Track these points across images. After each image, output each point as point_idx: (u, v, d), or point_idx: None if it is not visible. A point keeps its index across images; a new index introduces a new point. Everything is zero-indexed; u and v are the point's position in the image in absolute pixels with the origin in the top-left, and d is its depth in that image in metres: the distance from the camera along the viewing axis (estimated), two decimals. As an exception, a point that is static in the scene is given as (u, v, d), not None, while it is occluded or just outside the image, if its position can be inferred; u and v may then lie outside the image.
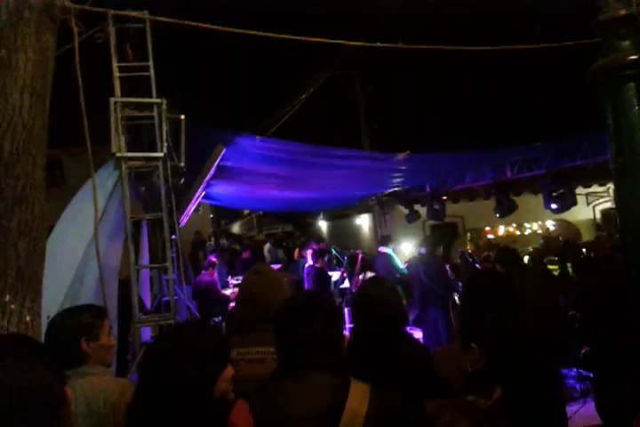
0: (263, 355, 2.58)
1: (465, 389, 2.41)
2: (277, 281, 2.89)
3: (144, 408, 1.90)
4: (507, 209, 11.78)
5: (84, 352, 2.44)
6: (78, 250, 4.78)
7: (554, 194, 10.43)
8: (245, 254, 14.69)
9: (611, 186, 21.47)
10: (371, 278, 3.75)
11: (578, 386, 6.31)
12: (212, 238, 21.17)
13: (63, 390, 1.38)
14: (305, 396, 1.90)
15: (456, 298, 7.80)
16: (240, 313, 2.91)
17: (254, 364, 2.53)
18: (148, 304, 6.99)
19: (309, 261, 10.13)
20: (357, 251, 12.50)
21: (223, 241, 21.40)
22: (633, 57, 2.63)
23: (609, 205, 21.93)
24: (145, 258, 7.07)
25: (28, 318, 2.65)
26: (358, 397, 1.90)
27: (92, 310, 2.62)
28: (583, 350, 3.92)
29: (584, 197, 19.68)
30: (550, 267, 14.14)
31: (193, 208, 8.69)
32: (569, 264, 13.73)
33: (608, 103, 2.75)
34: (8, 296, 2.61)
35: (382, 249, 10.25)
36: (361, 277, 9.97)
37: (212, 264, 10.07)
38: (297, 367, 1.98)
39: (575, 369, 6.49)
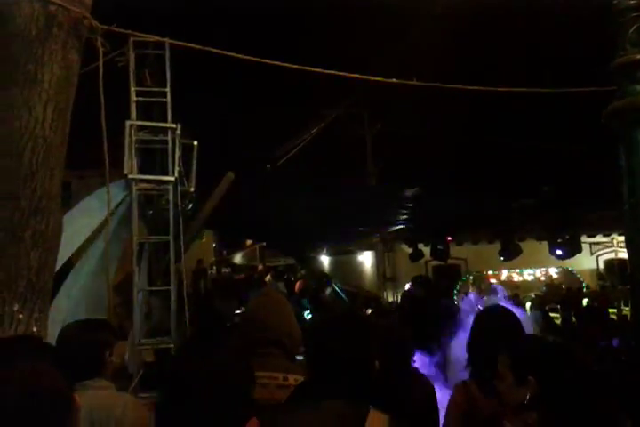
0: (267, 380, 2.52)
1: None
2: (284, 305, 2.84)
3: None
4: (511, 253, 11.77)
5: (106, 366, 2.57)
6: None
7: (559, 240, 10.42)
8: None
9: (615, 236, 21.45)
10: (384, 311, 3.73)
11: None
12: (214, 267, 21.05)
13: (73, 395, 1.37)
14: (319, 424, 1.83)
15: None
16: (243, 335, 2.85)
17: (258, 388, 2.47)
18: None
19: None
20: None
21: (225, 270, 21.29)
22: (647, 100, 2.68)
23: (612, 255, 21.85)
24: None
25: (35, 329, 2.64)
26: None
27: (109, 326, 2.81)
28: None
29: (588, 247, 19.57)
30: (552, 315, 14.04)
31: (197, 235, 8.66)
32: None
33: (622, 145, 2.78)
34: (17, 306, 2.60)
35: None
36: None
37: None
38: (311, 394, 1.92)
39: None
